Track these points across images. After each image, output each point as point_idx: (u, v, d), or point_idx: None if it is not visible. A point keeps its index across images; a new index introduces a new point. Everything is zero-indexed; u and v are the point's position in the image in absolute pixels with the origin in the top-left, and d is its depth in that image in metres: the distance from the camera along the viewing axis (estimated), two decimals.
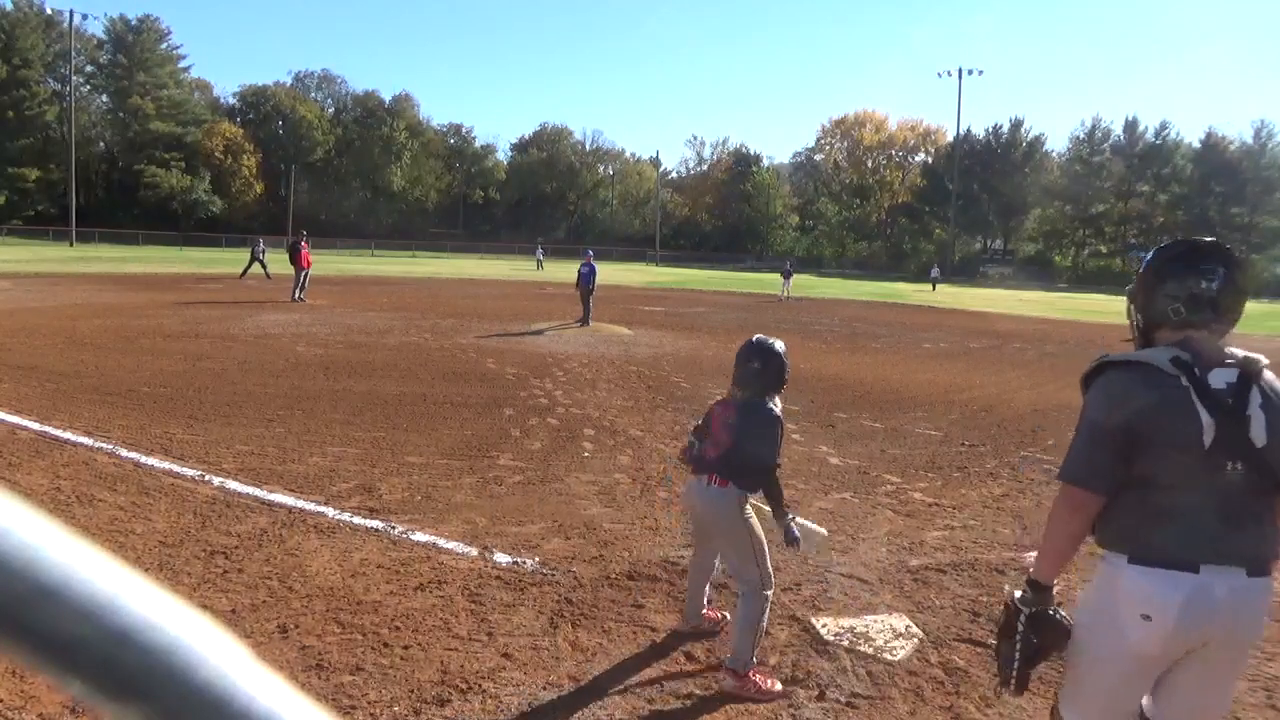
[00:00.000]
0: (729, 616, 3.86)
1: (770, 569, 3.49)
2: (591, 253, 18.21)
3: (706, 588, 3.88)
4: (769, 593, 3.45)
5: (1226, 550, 1.94)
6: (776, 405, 3.55)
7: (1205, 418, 1.92)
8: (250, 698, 0.32)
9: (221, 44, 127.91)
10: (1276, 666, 3.74)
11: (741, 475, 3.45)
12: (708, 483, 3.47)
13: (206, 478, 5.78)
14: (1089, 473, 2.02)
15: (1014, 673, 2.13)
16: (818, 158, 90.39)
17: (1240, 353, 2.04)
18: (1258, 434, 1.94)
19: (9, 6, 66.79)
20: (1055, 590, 2.13)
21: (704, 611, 3.87)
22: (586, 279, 17.19)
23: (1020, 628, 2.10)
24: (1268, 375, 2.02)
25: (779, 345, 3.59)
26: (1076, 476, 2.04)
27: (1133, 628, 1.97)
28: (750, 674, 3.36)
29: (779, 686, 3.38)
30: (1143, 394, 1.98)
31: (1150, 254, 2.16)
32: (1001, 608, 2.25)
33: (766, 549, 3.50)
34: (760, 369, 3.51)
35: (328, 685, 3.25)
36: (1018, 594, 2.15)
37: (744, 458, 3.45)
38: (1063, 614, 2.12)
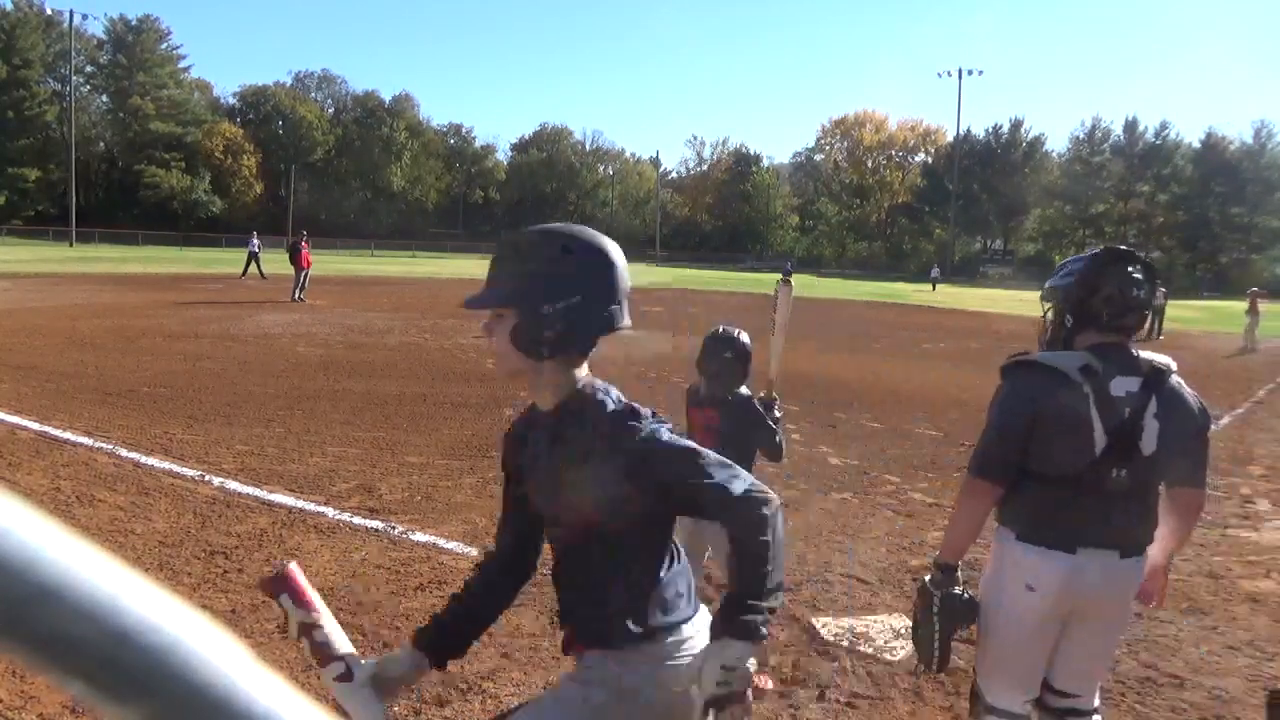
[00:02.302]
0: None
1: None
2: None
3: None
4: None
5: (1103, 537, 2.14)
6: (745, 391, 3.57)
7: (1099, 428, 2.08)
8: (250, 698, 0.32)
9: (221, 44, 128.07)
10: (1277, 666, 3.74)
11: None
12: None
13: (206, 478, 5.78)
14: (992, 468, 2.24)
15: (935, 652, 2.33)
16: (818, 158, 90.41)
17: (1151, 358, 2.17)
18: (1148, 442, 2.09)
19: (9, 6, 66.82)
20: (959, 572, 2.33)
21: None
22: None
23: (935, 609, 2.31)
24: (1172, 381, 2.14)
25: (744, 334, 3.61)
26: (982, 471, 2.25)
27: (1019, 596, 2.20)
28: None
29: (770, 684, 3.39)
30: (1046, 399, 2.16)
31: (1084, 261, 2.31)
32: (916, 594, 2.45)
33: None
34: (733, 358, 3.52)
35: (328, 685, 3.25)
36: (928, 577, 2.38)
37: (742, 456, 3.48)
38: (970, 593, 2.35)
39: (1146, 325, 2.32)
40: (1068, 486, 2.13)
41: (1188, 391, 2.18)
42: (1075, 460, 2.10)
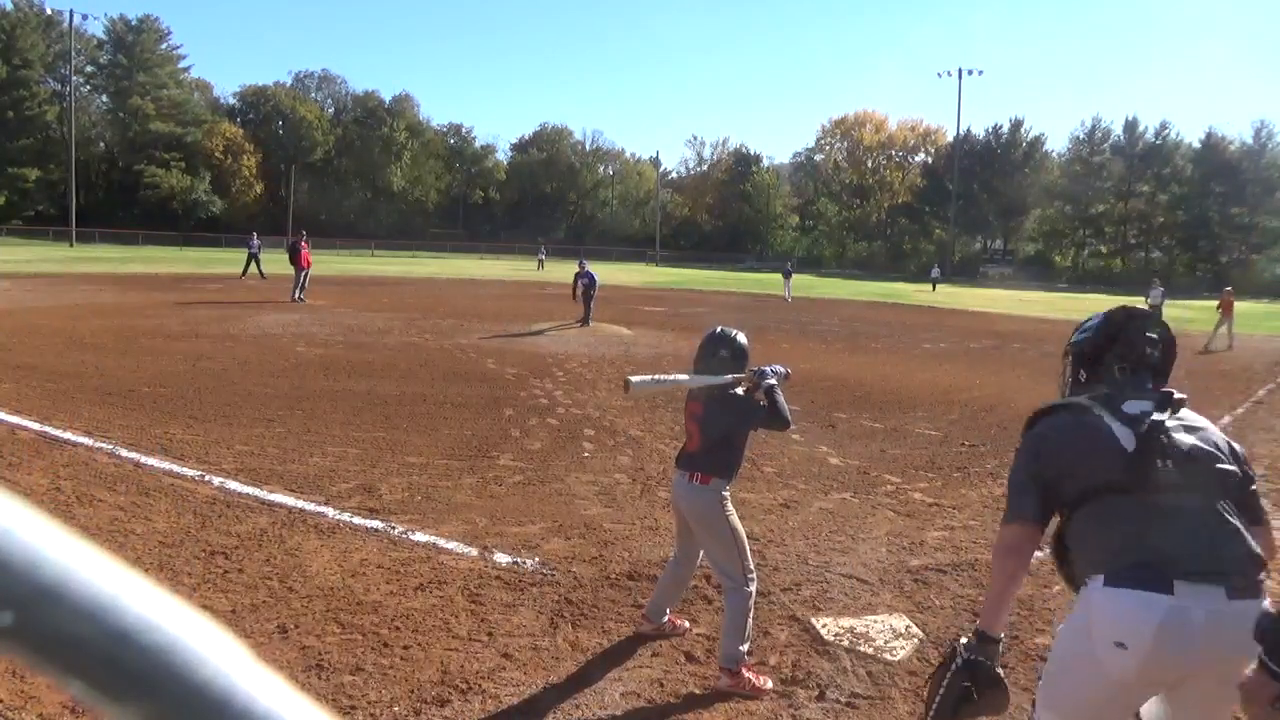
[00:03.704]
0: (689, 626, 3.88)
1: (752, 564, 3.51)
2: (586, 263, 18.12)
3: (679, 593, 3.88)
4: (752, 589, 3.46)
5: (1195, 562, 1.86)
6: (741, 392, 3.58)
7: (1120, 429, 2.03)
8: (250, 698, 0.32)
9: (221, 44, 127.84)
10: None
11: (722, 465, 3.50)
12: (689, 479, 3.51)
13: (206, 478, 5.78)
14: (1020, 505, 2.09)
15: (932, 712, 2.07)
16: (818, 158, 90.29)
17: (1162, 390, 2.15)
18: (1181, 439, 2.03)
19: (9, 6, 66.82)
20: (1003, 647, 2.11)
21: (668, 616, 3.86)
22: (588, 287, 17.24)
23: (956, 665, 2.05)
24: (1186, 411, 2.13)
25: (742, 335, 3.64)
26: (1010, 513, 2.12)
27: (1104, 656, 1.89)
28: (743, 671, 3.38)
29: (769, 684, 3.40)
30: (1062, 429, 2.12)
31: (1099, 318, 2.30)
32: (946, 648, 2.21)
33: (747, 544, 3.53)
34: (729, 358, 3.55)
35: (328, 685, 3.25)
36: (963, 640, 2.12)
37: (730, 447, 3.51)
38: (1003, 676, 2.07)
39: None
40: (1119, 494, 1.98)
41: (1198, 416, 2.16)
42: (1109, 464, 2.00)
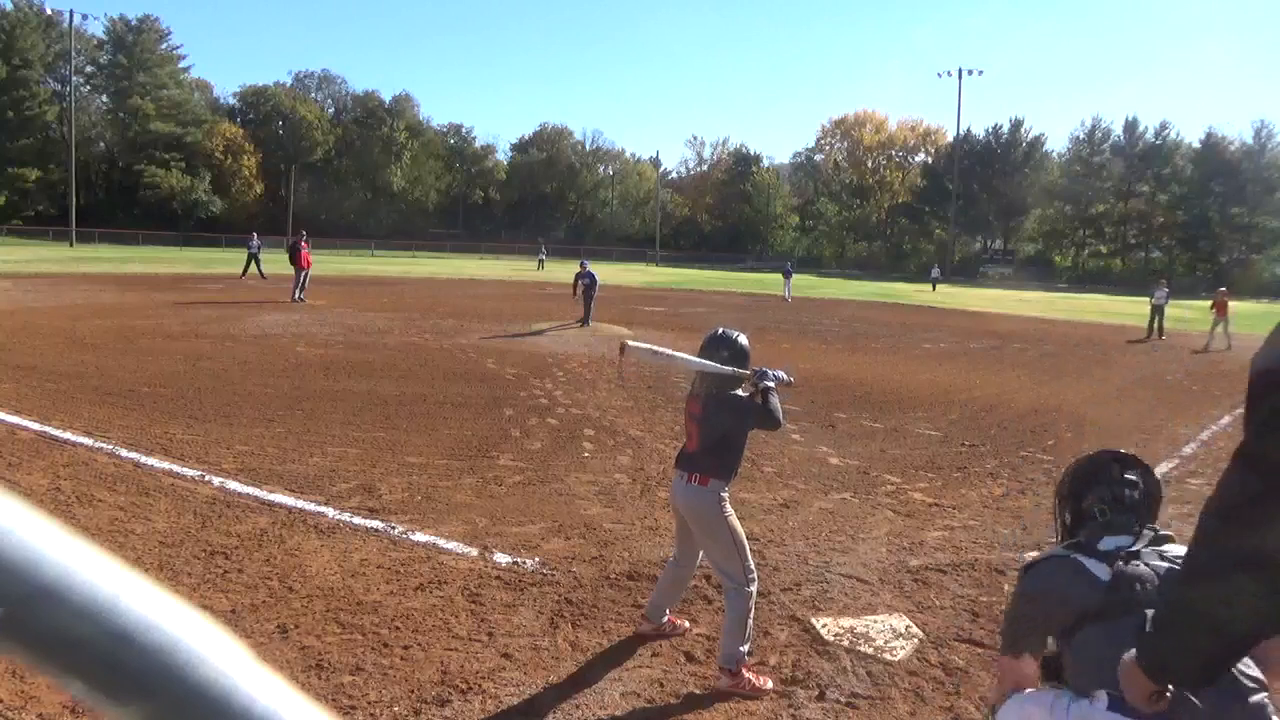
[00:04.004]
0: (689, 626, 3.88)
1: (752, 565, 3.51)
2: (586, 263, 18.19)
3: (678, 593, 3.88)
4: (753, 589, 3.46)
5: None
6: (741, 393, 3.59)
7: (1095, 565, 2.06)
8: (250, 698, 0.32)
9: (221, 44, 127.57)
10: None
11: (720, 465, 3.50)
12: (688, 480, 3.51)
13: (206, 478, 5.78)
14: (1010, 648, 2.18)
15: None
16: (818, 158, 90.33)
17: (1147, 529, 2.16)
18: (1158, 565, 2.03)
19: (9, 6, 66.79)
20: None
21: (667, 616, 3.86)
22: (588, 287, 17.28)
23: None
24: (1170, 546, 2.11)
25: (743, 337, 3.64)
26: (1010, 647, 2.20)
27: None
28: (743, 671, 3.38)
29: (769, 684, 3.41)
30: (1043, 575, 2.16)
31: (1076, 463, 2.33)
32: None
33: (747, 545, 3.53)
34: (729, 359, 3.55)
35: (328, 685, 3.25)
36: None
37: (728, 447, 3.52)
38: None
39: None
40: (1107, 622, 1.98)
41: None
42: (1089, 596, 2.03)
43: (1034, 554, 2.32)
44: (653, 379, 10.98)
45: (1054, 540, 2.33)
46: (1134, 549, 2.09)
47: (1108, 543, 2.13)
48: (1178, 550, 2.10)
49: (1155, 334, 20.66)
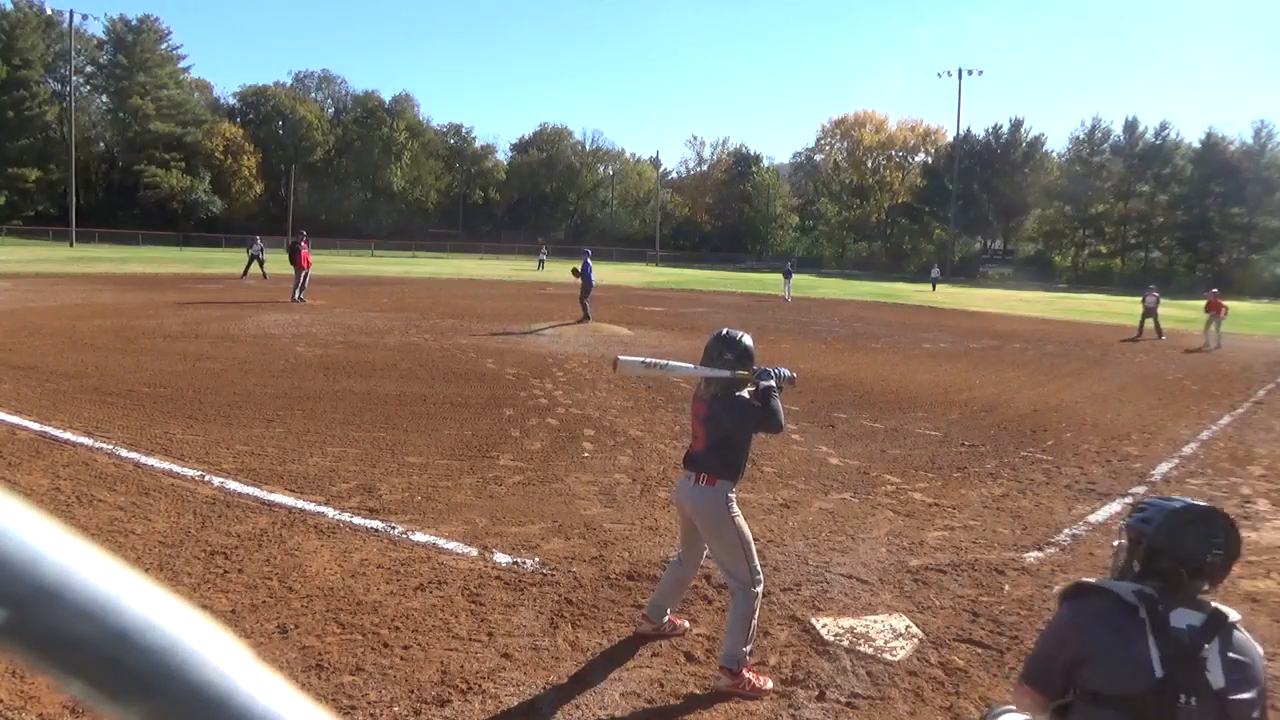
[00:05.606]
0: (689, 626, 3.88)
1: (758, 565, 3.51)
2: (589, 251, 18.36)
3: (679, 594, 3.88)
4: (759, 590, 3.46)
5: None
6: (745, 394, 3.58)
7: (1155, 651, 1.95)
8: (250, 697, 0.32)
9: (221, 44, 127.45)
10: (1277, 666, 3.73)
11: (727, 466, 3.49)
12: (695, 481, 3.50)
13: (206, 478, 5.78)
14: (1036, 677, 2.13)
15: None
16: (818, 158, 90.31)
17: (1216, 605, 2.05)
18: (1215, 677, 1.94)
19: (9, 6, 66.77)
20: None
21: (668, 616, 3.86)
22: (583, 273, 17.42)
23: None
24: (1237, 633, 2.02)
25: (747, 337, 3.63)
26: (1029, 679, 2.15)
27: None
28: (744, 671, 3.38)
29: (770, 684, 3.41)
30: (1098, 621, 2.06)
31: (1164, 513, 2.14)
32: None
33: (754, 545, 3.52)
34: (734, 360, 3.55)
35: (328, 685, 3.25)
36: None
37: (733, 448, 3.51)
38: None
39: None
40: (1134, 711, 1.95)
41: (1251, 640, 2.05)
42: (1133, 682, 1.96)
43: (1090, 579, 2.18)
44: (653, 379, 10.98)
45: (1105, 569, 2.16)
46: (1199, 645, 1.95)
47: (1179, 618, 1.99)
48: (1243, 650, 1.99)
49: (1154, 333, 20.74)
